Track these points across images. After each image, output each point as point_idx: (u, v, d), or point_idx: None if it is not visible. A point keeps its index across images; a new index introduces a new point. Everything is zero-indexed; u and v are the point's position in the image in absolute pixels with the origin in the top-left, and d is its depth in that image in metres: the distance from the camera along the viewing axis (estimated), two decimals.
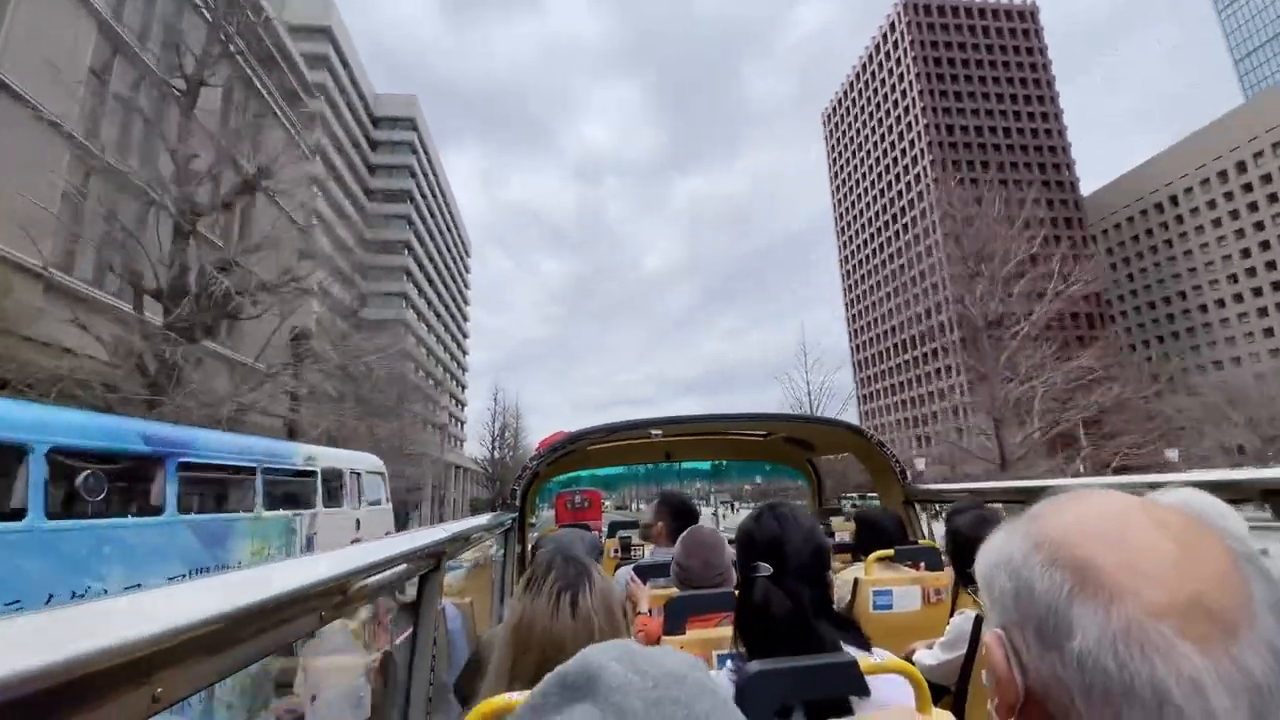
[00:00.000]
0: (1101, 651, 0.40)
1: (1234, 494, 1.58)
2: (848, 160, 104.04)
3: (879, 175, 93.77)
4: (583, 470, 5.49)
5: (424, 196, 66.17)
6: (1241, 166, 76.37)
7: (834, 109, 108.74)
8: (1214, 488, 1.21)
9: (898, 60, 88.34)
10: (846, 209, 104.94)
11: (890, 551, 2.54)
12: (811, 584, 1.22)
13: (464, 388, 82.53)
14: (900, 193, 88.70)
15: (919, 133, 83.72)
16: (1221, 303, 79.57)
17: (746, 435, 4.59)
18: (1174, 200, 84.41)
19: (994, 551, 0.52)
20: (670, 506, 2.94)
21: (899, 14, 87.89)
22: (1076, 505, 0.49)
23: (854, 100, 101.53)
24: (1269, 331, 74.42)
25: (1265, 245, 74.53)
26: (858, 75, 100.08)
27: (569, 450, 3.72)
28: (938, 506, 3.44)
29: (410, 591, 1.44)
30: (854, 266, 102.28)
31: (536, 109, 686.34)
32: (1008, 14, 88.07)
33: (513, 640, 1.07)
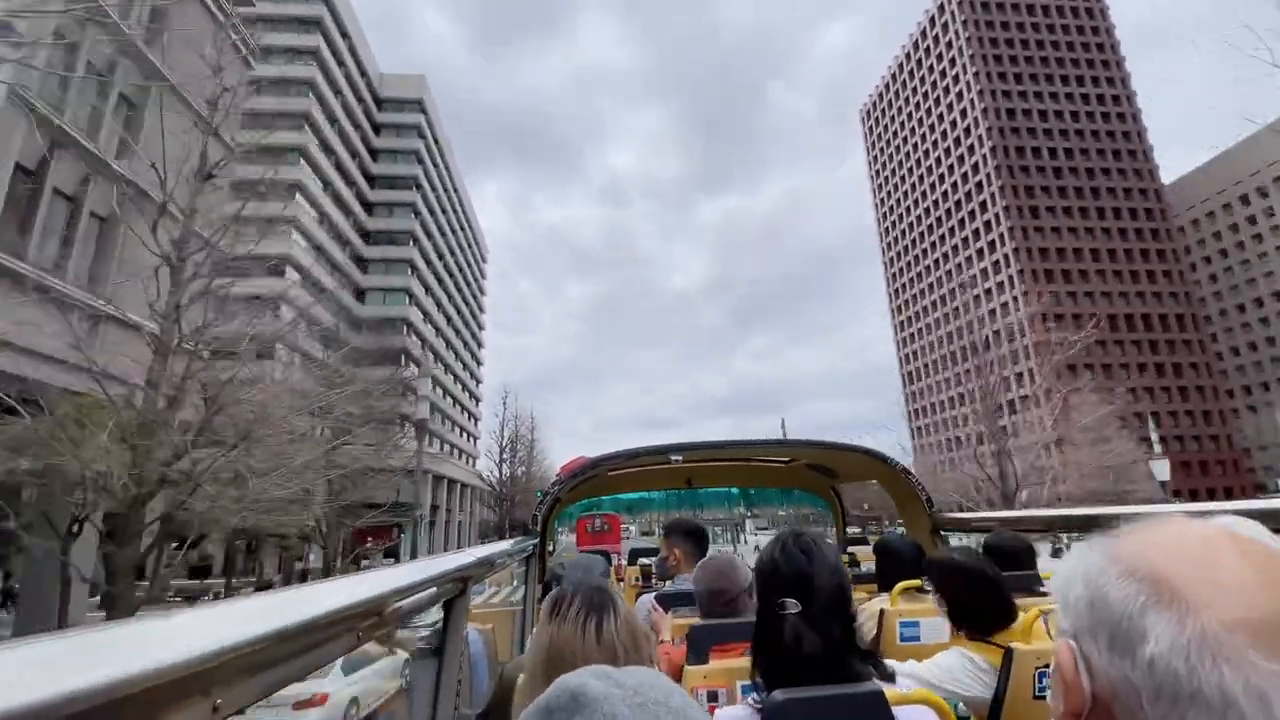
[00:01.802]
0: (1174, 657, 0.42)
1: (1268, 521, 1.24)
2: (890, 156, 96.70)
3: (929, 168, 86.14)
4: (604, 495, 5.18)
5: (433, 188, 60.33)
6: None
7: (873, 105, 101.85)
8: (1263, 515, 1.27)
9: (949, 43, 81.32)
10: (891, 208, 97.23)
11: (917, 582, 2.37)
12: (841, 619, 1.20)
13: (478, 400, 75.87)
14: (955, 185, 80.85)
15: (975, 118, 76.18)
16: None
17: (769, 461, 4.53)
18: (1262, 191, 75.37)
19: (1072, 564, 0.54)
20: (680, 534, 2.85)
21: None
22: (1156, 528, 0.52)
23: (897, 92, 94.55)
24: None
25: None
26: (900, 66, 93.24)
27: (590, 475, 3.70)
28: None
29: (431, 616, 1.38)
30: (902, 269, 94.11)
31: (564, 134, 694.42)
32: None
33: (543, 668, 1.07)
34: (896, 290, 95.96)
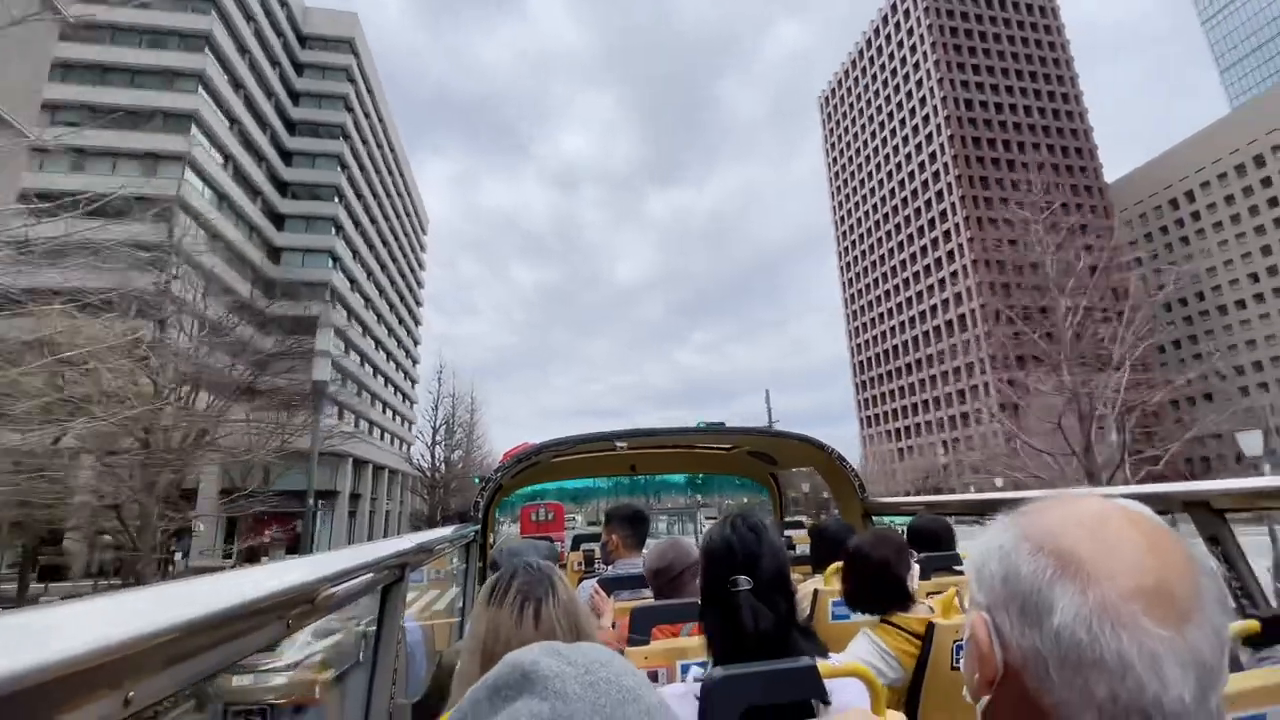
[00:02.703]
0: (1078, 626, 0.46)
1: (1161, 505, 1.85)
2: (848, 145, 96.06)
3: (888, 155, 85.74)
4: (549, 483, 5.32)
5: (364, 141, 54.24)
6: (1260, 160, 70.68)
7: (832, 92, 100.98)
8: (1145, 498, 1.64)
9: (909, 30, 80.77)
10: (847, 196, 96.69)
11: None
12: (785, 596, 1.26)
13: (414, 382, 70.02)
14: (912, 174, 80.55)
15: (934, 106, 75.85)
16: (1242, 304, 73.42)
17: (711, 449, 4.61)
18: (1190, 195, 78.58)
19: (985, 542, 0.58)
20: (620, 519, 2.85)
21: None
22: (1059, 506, 0.56)
23: (856, 79, 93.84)
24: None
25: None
26: (860, 53, 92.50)
27: (533, 462, 3.69)
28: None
29: (366, 605, 1.37)
30: (858, 257, 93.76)
31: (512, 114, 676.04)
32: None
33: (479, 652, 1.05)
34: (850, 279, 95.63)
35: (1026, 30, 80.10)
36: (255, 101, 42.73)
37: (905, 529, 2.78)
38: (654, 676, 1.65)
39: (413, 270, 72.22)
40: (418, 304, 75.34)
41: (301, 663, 9.41)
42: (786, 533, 4.43)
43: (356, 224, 51.94)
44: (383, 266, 59.31)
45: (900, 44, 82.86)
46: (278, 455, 24.91)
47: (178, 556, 24.92)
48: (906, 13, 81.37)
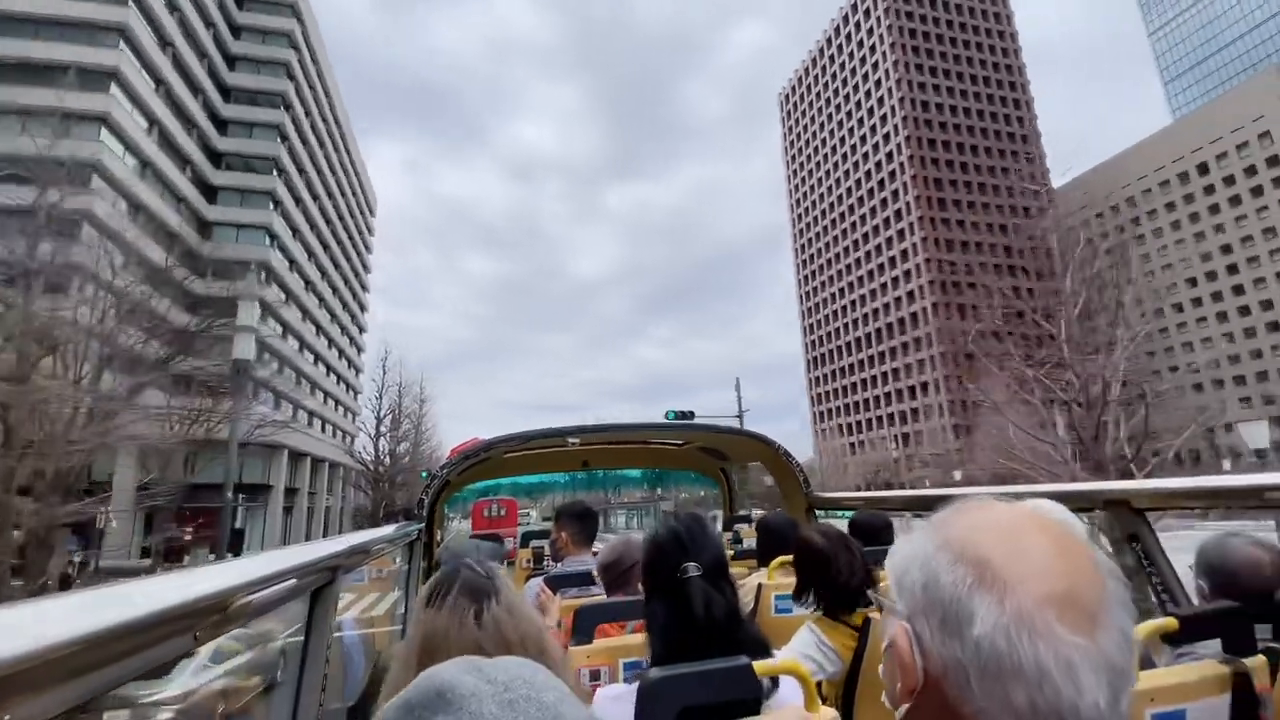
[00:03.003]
0: (997, 635, 0.47)
1: (1084, 502, 1.98)
2: (807, 142, 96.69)
3: (845, 154, 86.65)
4: (502, 479, 5.39)
5: (308, 112, 50.95)
6: (1204, 168, 74.49)
7: (794, 87, 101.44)
8: (1067, 497, 1.78)
9: (870, 30, 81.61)
10: (805, 193, 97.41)
11: (790, 557, 2.39)
12: (729, 583, 1.30)
13: (358, 371, 66.75)
14: (869, 173, 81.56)
15: (892, 106, 76.89)
16: (1180, 307, 77.36)
17: (663, 444, 4.60)
18: (1132, 201, 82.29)
19: (906, 549, 0.57)
20: (568, 517, 2.80)
21: None
22: (976, 511, 0.56)
23: (816, 77, 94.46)
24: (1229, 337, 72.29)
25: (1227, 249, 72.64)
26: (821, 50, 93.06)
27: (483, 458, 3.61)
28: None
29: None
30: (815, 254, 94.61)
31: (470, 100, 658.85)
32: None
33: (416, 659, 0.99)
34: (807, 276, 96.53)
35: (981, 35, 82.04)
36: (186, 63, 39.26)
37: (847, 524, 2.80)
38: (596, 675, 1.67)
39: (359, 253, 68.78)
40: (364, 289, 71.91)
41: (195, 692, 8.47)
42: (735, 526, 4.47)
43: (297, 200, 48.75)
44: (325, 247, 56.04)
45: (860, 44, 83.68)
46: (202, 445, 22.71)
47: (79, 557, 22.35)
48: (867, 12, 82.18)
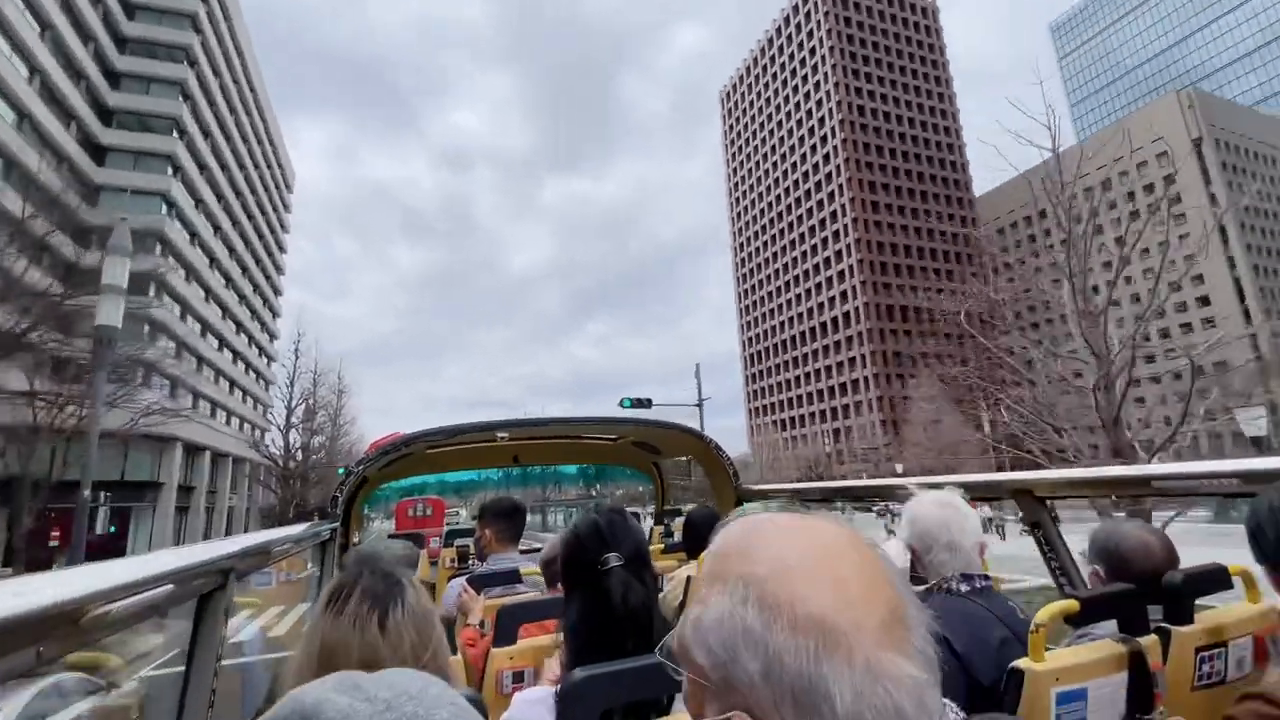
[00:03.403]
0: (859, 704, 0.41)
1: (993, 492, 2.12)
2: (748, 140, 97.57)
3: (784, 154, 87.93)
4: (428, 476, 5.15)
5: (216, 72, 46.18)
6: (1107, 185, 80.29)
7: (734, 86, 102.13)
8: (978, 486, 2.10)
9: (809, 33, 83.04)
10: (744, 192, 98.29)
11: None
12: (650, 571, 1.33)
13: (270, 360, 61.59)
14: (806, 174, 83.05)
15: (830, 109, 78.51)
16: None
17: (596, 439, 4.49)
18: (1043, 214, 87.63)
19: (720, 626, 0.47)
20: (492, 514, 2.67)
21: None
22: (771, 548, 0.48)
23: (757, 76, 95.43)
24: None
25: (1126, 260, 78.60)
26: (762, 50, 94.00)
27: (404, 453, 3.43)
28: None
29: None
30: (753, 253, 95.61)
31: (402, 82, 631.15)
32: (912, 6, 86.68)
33: (311, 671, 0.92)
34: (745, 274, 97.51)
35: (914, 48, 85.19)
36: (77, 7, 34.44)
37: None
38: (519, 676, 1.64)
39: (273, 231, 63.54)
40: (278, 271, 66.57)
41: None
42: (666, 520, 4.41)
43: (202, 167, 44.06)
44: (235, 222, 51.16)
45: (800, 46, 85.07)
46: (74, 435, 19.69)
47: None
48: (808, 15, 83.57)
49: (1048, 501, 1.91)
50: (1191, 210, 74.29)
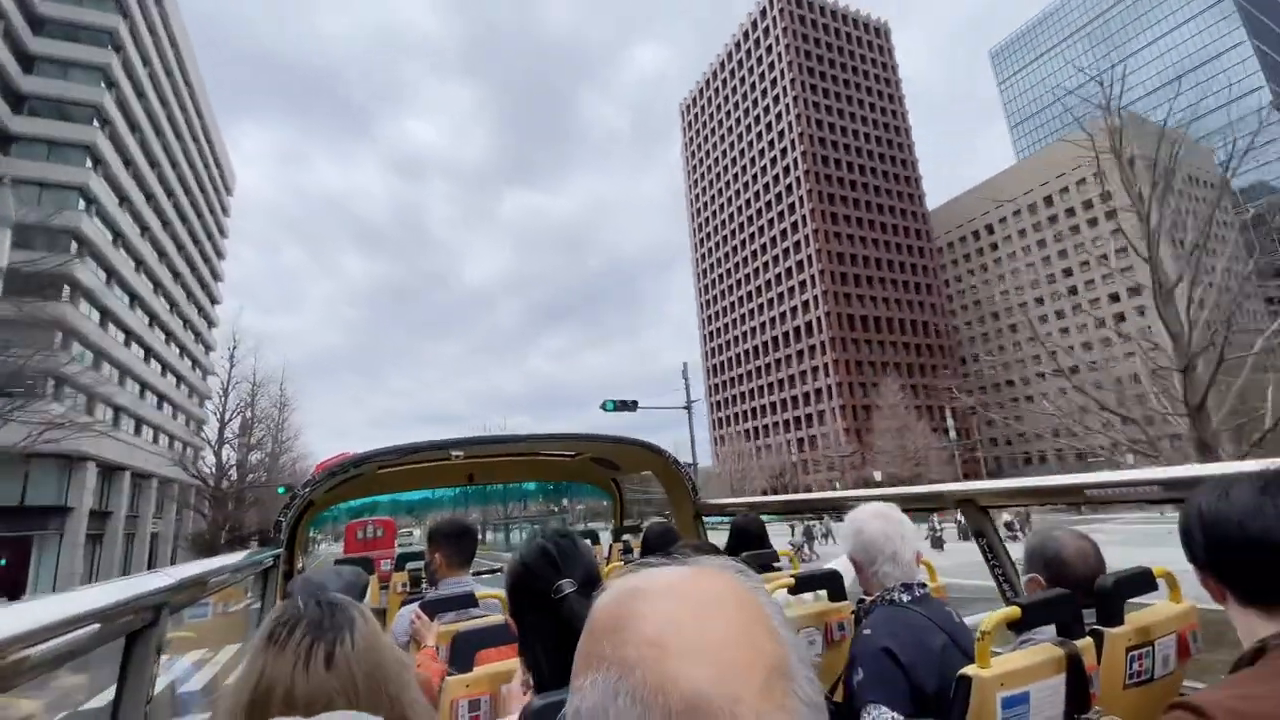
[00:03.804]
0: None
1: (939, 503, 2.16)
2: (708, 153, 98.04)
3: (745, 166, 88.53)
4: (379, 496, 4.91)
5: (146, 59, 42.77)
6: (1049, 200, 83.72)
7: (694, 99, 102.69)
8: (924, 498, 2.25)
9: (769, 48, 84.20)
10: (706, 204, 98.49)
11: None
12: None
13: (205, 373, 57.13)
14: (767, 185, 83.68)
15: (790, 122, 79.45)
16: (1032, 322, 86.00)
17: (554, 456, 4.43)
18: (990, 229, 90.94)
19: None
20: (442, 536, 2.49)
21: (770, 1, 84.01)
22: (644, 621, 0.43)
23: (717, 89, 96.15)
24: (1072, 349, 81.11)
25: (1069, 272, 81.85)
26: (722, 64, 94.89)
27: (352, 474, 3.30)
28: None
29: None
30: (715, 263, 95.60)
31: (354, 91, 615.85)
32: (865, 26, 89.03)
33: (246, 711, 0.86)
34: (707, 285, 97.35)
35: (868, 64, 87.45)
36: None
37: (729, 531, 2.92)
38: (476, 705, 1.59)
39: (210, 236, 59.41)
40: (216, 277, 62.25)
41: None
42: (625, 537, 4.32)
43: (128, 162, 40.48)
44: (166, 223, 47.31)
45: (760, 60, 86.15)
46: None
47: None
48: (766, 30, 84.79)
49: (989, 511, 1.98)
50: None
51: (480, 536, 57.60)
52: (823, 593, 2.07)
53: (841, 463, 50.31)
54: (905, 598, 1.55)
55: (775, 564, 2.66)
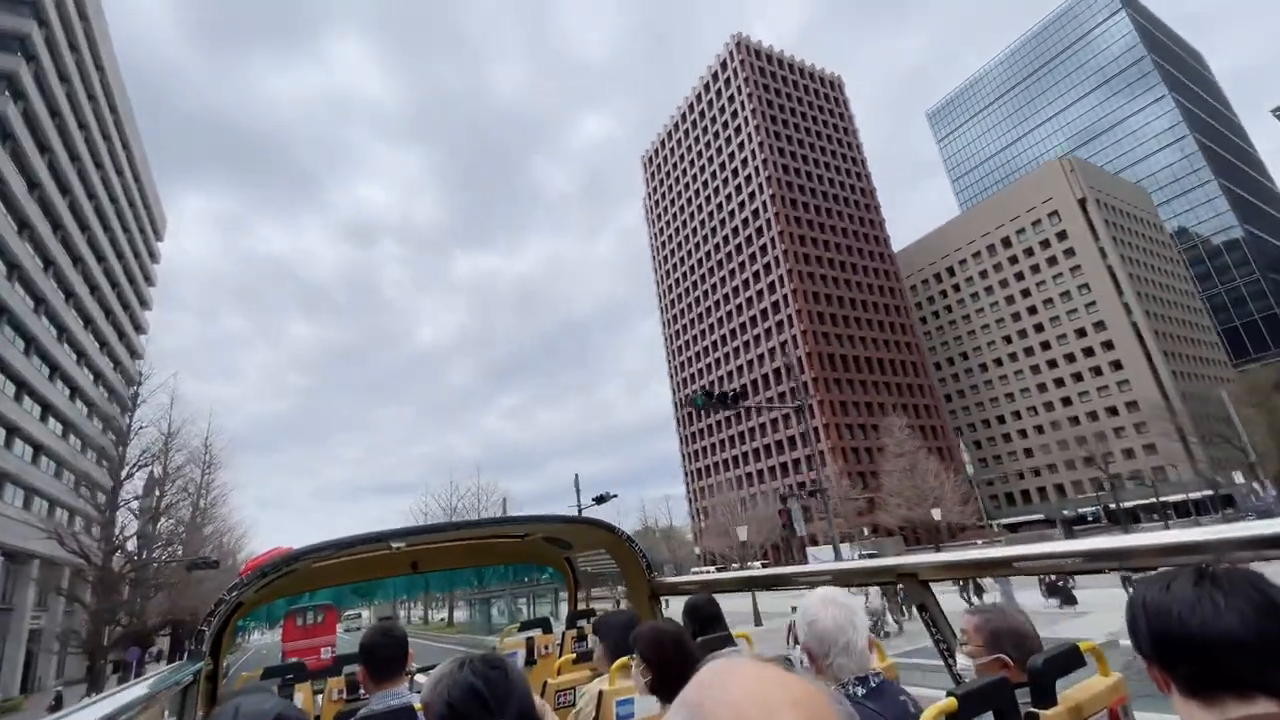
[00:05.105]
0: None
1: (882, 578, 2.23)
2: (672, 201, 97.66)
3: (712, 211, 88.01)
4: (312, 589, 4.56)
5: (64, 76, 37.97)
6: (1007, 241, 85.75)
7: (656, 150, 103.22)
8: (870, 573, 2.50)
9: (730, 97, 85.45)
10: (674, 249, 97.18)
11: (627, 660, 2.31)
12: None
13: (122, 438, 49.29)
14: (736, 229, 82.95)
15: (756, 166, 79.67)
16: (999, 361, 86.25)
17: (504, 537, 4.35)
18: (950, 270, 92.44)
19: None
20: (362, 650, 2.24)
21: (731, 53, 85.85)
22: (727, 687, 0.46)
23: (680, 141, 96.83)
24: (1041, 387, 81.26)
25: (1033, 310, 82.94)
26: (684, 116, 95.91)
27: (284, 572, 3.05)
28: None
29: None
30: (683, 310, 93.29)
31: (299, 156, 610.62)
32: (820, 79, 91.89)
33: None
34: (676, 333, 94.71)
35: (827, 115, 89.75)
36: None
37: (684, 610, 2.76)
38: None
39: (131, 280, 52.93)
40: (137, 329, 55.21)
41: None
42: (579, 622, 4.02)
43: (32, 185, 34.91)
44: (77, 260, 41.24)
45: (723, 109, 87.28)
46: None
47: None
48: (728, 81, 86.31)
49: (930, 584, 2.01)
50: (1085, 262, 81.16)
51: (449, 618, 49.70)
52: None
53: (845, 507, 46.52)
54: (860, 691, 1.52)
55: (734, 646, 2.45)
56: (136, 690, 1.61)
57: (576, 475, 26.11)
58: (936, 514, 37.70)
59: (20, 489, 34.31)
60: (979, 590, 18.94)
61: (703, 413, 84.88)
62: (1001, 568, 1.81)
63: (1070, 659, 1.44)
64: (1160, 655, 0.87)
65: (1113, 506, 52.60)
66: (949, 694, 1.30)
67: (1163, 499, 49.67)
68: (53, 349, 38.29)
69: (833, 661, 1.55)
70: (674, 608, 3.33)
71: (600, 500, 23.28)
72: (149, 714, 1.84)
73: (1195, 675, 0.82)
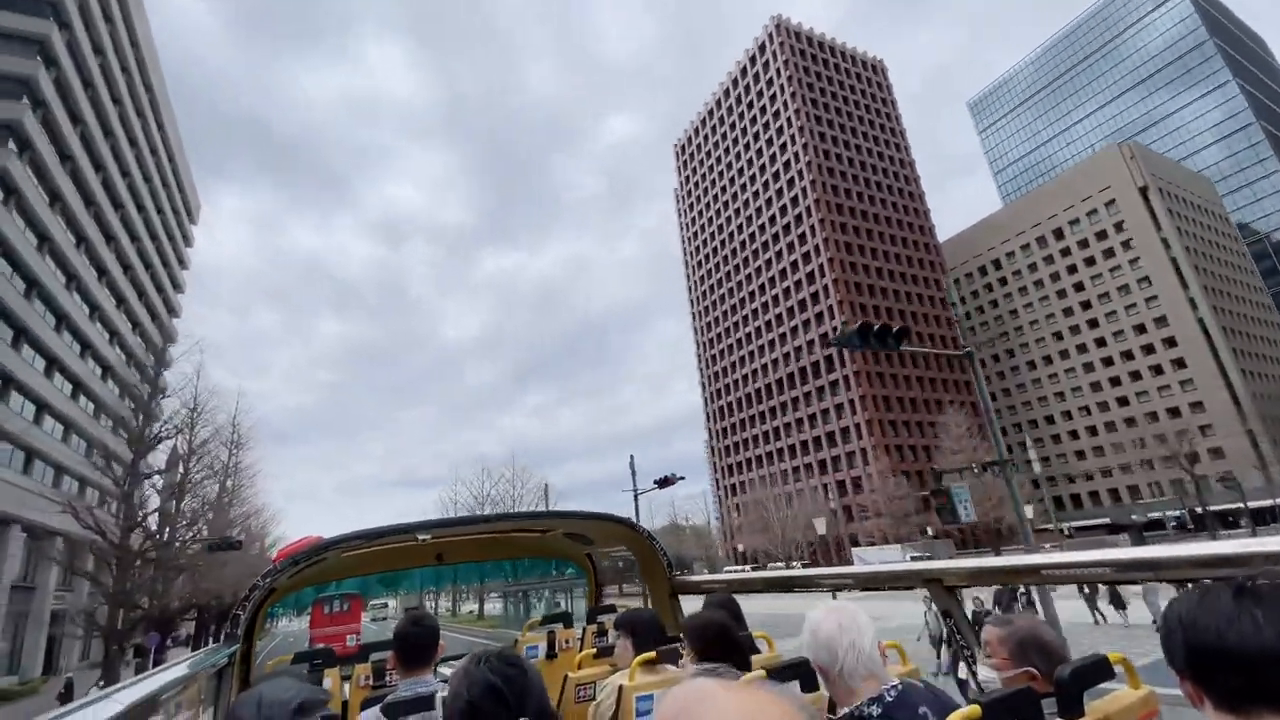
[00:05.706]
0: None
1: (907, 583, 2.12)
2: (705, 190, 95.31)
3: (749, 199, 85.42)
4: (341, 578, 4.92)
5: (98, 47, 37.20)
6: (1059, 233, 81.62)
7: (690, 137, 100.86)
8: (894, 577, 2.23)
9: (769, 81, 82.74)
10: (705, 241, 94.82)
11: (651, 654, 2.33)
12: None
13: (152, 421, 48.78)
14: (774, 217, 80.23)
15: (796, 151, 76.87)
16: (1049, 359, 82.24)
17: (525, 532, 4.40)
18: (996, 264, 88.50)
19: None
20: (395, 637, 2.24)
21: (770, 35, 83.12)
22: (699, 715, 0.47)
23: (714, 128, 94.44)
24: (1096, 386, 77.10)
25: (1086, 305, 78.76)
26: (719, 102, 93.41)
27: (314, 561, 3.23)
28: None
29: None
30: (716, 300, 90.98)
31: (332, 155, 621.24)
32: (862, 63, 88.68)
33: None
34: (709, 324, 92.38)
35: (868, 99, 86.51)
36: None
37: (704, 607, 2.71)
38: None
39: (165, 262, 52.49)
40: (170, 311, 54.78)
41: None
42: (599, 618, 3.96)
43: (64, 156, 34.12)
44: (110, 238, 40.58)
45: (760, 93, 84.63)
46: None
47: None
48: (766, 64, 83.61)
49: (957, 591, 1.98)
50: (1145, 254, 76.71)
51: (479, 610, 48.24)
52: (795, 684, 1.86)
53: (893, 505, 43.85)
54: (877, 711, 1.46)
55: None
56: (178, 670, 1.69)
57: (632, 457, 25.00)
58: (1005, 515, 34.84)
59: (50, 466, 33.60)
60: (1119, 603, 16.37)
61: (735, 405, 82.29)
62: (1029, 575, 1.80)
63: (1099, 670, 1.41)
64: (1195, 669, 0.86)
65: (1199, 510, 48.88)
66: (971, 702, 1.27)
67: (1251, 504, 45.98)
68: (84, 326, 37.63)
69: (842, 667, 1.50)
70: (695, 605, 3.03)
71: (663, 483, 21.34)
72: (188, 693, 1.91)
73: (1232, 690, 0.82)
